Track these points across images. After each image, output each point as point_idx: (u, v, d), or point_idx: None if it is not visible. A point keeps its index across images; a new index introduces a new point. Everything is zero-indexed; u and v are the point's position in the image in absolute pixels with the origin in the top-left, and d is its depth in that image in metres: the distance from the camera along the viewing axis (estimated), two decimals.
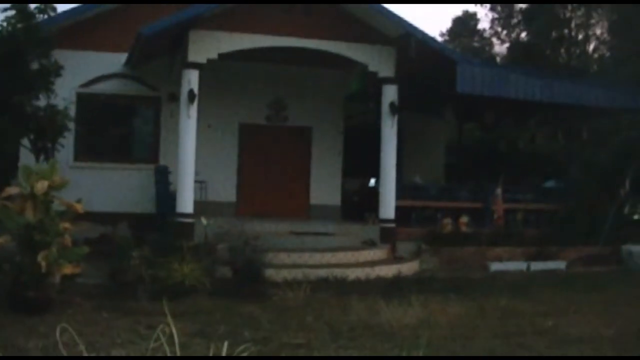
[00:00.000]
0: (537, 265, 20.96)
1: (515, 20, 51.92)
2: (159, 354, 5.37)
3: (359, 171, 26.63)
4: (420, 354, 6.05)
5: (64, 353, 6.21)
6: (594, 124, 30.18)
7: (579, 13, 49.38)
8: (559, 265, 21.39)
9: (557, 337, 11.59)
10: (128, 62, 22.16)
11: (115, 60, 22.39)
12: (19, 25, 18.00)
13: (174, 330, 5.14)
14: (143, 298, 13.28)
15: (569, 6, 48.55)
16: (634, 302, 15.33)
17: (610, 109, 25.49)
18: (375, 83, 21.38)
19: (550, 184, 28.32)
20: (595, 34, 51.13)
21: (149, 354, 5.26)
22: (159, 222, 20.55)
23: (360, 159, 25.08)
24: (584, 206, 23.99)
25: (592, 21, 50.07)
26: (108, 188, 22.04)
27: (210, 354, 5.12)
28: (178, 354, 5.02)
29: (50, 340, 9.90)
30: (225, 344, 5.10)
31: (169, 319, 5.28)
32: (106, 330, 10.94)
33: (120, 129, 23.73)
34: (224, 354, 5.02)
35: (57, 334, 6.10)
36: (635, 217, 27.52)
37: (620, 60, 42.60)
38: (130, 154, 23.53)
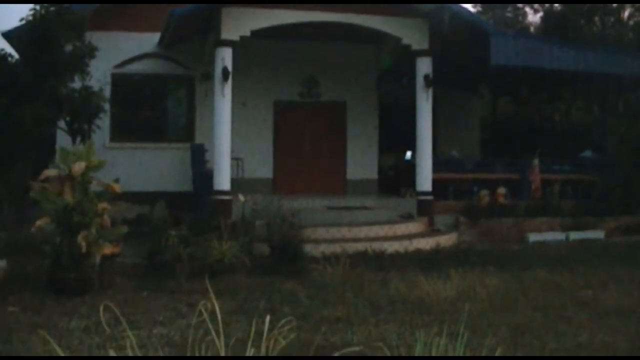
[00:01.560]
0: (575, 235, 20.87)
1: None
2: (201, 331, 5.39)
3: (395, 146, 26.55)
4: (462, 328, 6.01)
5: (108, 331, 6.26)
6: (630, 95, 29.83)
7: None
8: (597, 234, 21.29)
9: (598, 309, 11.49)
10: (161, 42, 22.18)
11: (149, 40, 22.43)
12: (52, 9, 18.02)
13: (216, 307, 5.15)
14: (182, 277, 13.32)
15: None
16: None
17: None
18: (408, 57, 21.25)
19: (587, 154, 28.12)
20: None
21: (191, 331, 5.26)
22: (196, 201, 20.60)
23: (396, 134, 25.01)
24: (620, 177, 23.80)
25: None
26: (144, 168, 22.13)
27: (252, 330, 5.10)
28: (221, 330, 5.03)
29: (92, 320, 9.98)
30: (268, 318, 5.09)
31: (211, 296, 5.29)
32: (147, 309, 11.01)
33: (155, 108, 23.76)
34: (266, 328, 5.02)
35: (101, 312, 6.14)
36: None
37: None
38: (165, 133, 23.56)
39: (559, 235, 20.89)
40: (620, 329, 10.08)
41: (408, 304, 11.48)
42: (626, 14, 50.45)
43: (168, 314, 10.71)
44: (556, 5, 50.45)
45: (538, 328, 10.10)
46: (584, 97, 31.83)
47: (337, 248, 16.68)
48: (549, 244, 19.87)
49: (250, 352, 5.00)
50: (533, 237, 20.52)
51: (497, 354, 5.87)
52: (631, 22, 50.65)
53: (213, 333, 5.06)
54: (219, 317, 5.11)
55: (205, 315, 5.21)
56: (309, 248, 15.99)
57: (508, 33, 25.38)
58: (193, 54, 22.43)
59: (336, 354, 5.36)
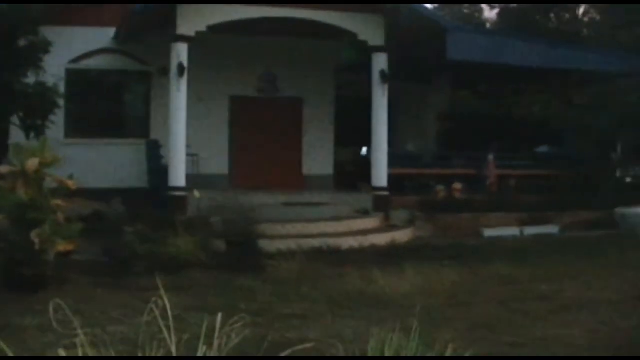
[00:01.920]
0: (530, 230, 21.00)
1: None
2: (154, 328, 5.36)
3: (352, 141, 26.63)
4: (416, 323, 6.03)
5: (59, 330, 6.20)
6: (589, 89, 30.08)
7: None
8: (552, 229, 21.45)
9: (557, 302, 11.56)
10: (117, 37, 22.07)
11: (105, 36, 22.32)
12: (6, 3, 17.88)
13: (167, 304, 5.13)
14: (138, 273, 13.22)
15: None
16: (630, 265, 15.29)
17: (605, 74, 25.47)
18: (366, 53, 21.31)
19: (543, 149, 28.33)
20: None
21: (143, 329, 5.24)
22: (153, 197, 20.50)
23: (353, 128, 25.07)
24: (577, 171, 23.99)
25: None
26: (100, 164, 21.95)
27: (204, 327, 5.09)
28: (171, 327, 5.01)
29: (45, 318, 9.85)
30: (219, 315, 5.08)
31: (162, 293, 5.28)
32: (102, 306, 10.91)
33: (111, 104, 23.65)
34: (217, 325, 5.00)
35: (50, 311, 6.07)
36: (628, 180, 27.61)
37: (613, 25, 42.47)
38: (121, 129, 23.46)
39: (514, 230, 21.00)
40: (577, 322, 10.14)
41: (364, 299, 11.49)
42: (581, 10, 50.86)
43: (123, 311, 10.61)
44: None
45: (495, 322, 10.14)
46: (543, 91, 31.98)
47: (293, 244, 16.62)
48: (504, 239, 19.96)
49: (202, 349, 4.98)
50: (488, 232, 20.64)
51: (450, 349, 5.88)
52: (586, 19, 51.08)
53: (164, 330, 5.04)
54: (170, 314, 5.09)
55: (157, 313, 5.19)
56: (265, 244, 15.93)
57: (465, 28, 25.48)
58: (150, 49, 22.26)
59: (287, 352, 5.35)
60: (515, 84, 30.72)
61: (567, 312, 10.82)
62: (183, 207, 18.38)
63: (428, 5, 48.57)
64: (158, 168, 20.94)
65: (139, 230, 14.78)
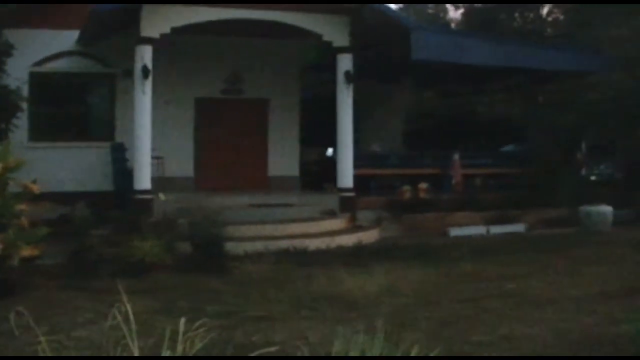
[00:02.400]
0: (496, 229, 21.11)
1: None
2: (119, 332, 5.34)
3: (318, 141, 26.63)
4: (382, 323, 6.04)
5: (23, 337, 6.17)
6: (552, 88, 30.30)
7: None
8: (518, 228, 21.57)
9: (523, 299, 11.64)
10: (81, 39, 21.90)
11: (69, 38, 22.12)
12: None
13: (130, 308, 5.12)
14: (105, 277, 13.15)
15: None
16: (595, 263, 15.45)
17: (568, 72, 25.68)
18: (331, 53, 21.33)
19: (509, 148, 28.49)
20: None
21: (107, 333, 5.22)
22: (118, 200, 20.41)
23: (319, 129, 25.03)
24: (542, 169, 24.14)
25: None
26: (65, 167, 21.80)
27: (168, 331, 5.07)
28: (135, 331, 4.99)
29: (9, 325, 9.80)
30: (183, 320, 5.07)
31: (123, 297, 5.26)
32: (67, 311, 10.86)
33: (75, 107, 23.43)
34: (181, 329, 4.99)
35: (12, 318, 6.04)
36: (593, 178, 27.81)
37: (577, 24, 42.74)
38: (86, 132, 23.29)
39: (480, 229, 21.10)
40: (544, 320, 10.19)
41: (331, 300, 11.48)
42: (545, 10, 51.17)
43: (89, 315, 10.56)
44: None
45: (462, 321, 10.18)
46: (507, 90, 32.16)
47: (260, 246, 16.62)
48: (471, 238, 20.05)
49: (165, 353, 4.96)
50: (455, 232, 20.72)
51: (416, 348, 5.89)
52: (550, 19, 51.39)
53: (127, 334, 5.02)
54: (132, 318, 5.08)
55: (119, 318, 5.17)
56: (231, 246, 15.88)
57: (429, 28, 25.55)
58: (114, 51, 22.10)
59: (254, 354, 5.35)
60: (479, 83, 30.83)
61: (533, 309, 10.87)
62: (149, 209, 18.31)
63: (392, 5, 49.01)
64: (123, 171, 20.84)
65: (105, 234, 14.74)
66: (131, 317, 5.07)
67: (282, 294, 12.02)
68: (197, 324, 5.33)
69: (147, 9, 19.01)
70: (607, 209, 22.14)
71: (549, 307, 10.95)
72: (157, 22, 19.10)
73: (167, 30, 19.19)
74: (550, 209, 22.84)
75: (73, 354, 5.99)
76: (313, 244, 17.52)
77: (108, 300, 11.31)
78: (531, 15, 50.28)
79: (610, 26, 30.66)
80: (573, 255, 16.60)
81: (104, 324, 9.79)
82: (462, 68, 24.05)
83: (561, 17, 49.53)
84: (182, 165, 23.37)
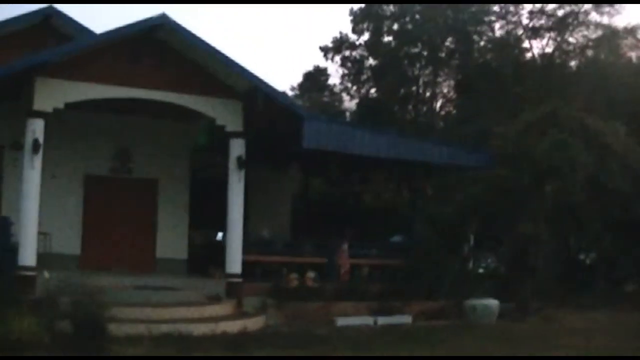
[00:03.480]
0: (383, 320, 21.18)
1: (365, 77, 52.74)
2: None
3: (207, 224, 26.47)
4: None
5: None
6: (437, 180, 30.90)
7: (427, 71, 50.65)
8: (405, 319, 21.68)
9: None
10: None
11: None
12: None
13: None
14: None
15: (417, 64, 49.79)
16: (473, 355, 15.68)
17: (453, 165, 26.28)
18: (222, 136, 21.35)
19: (396, 239, 28.75)
20: (442, 91, 52.51)
21: None
22: (0, 276, 19.89)
23: (208, 211, 24.92)
24: (427, 261, 24.43)
25: (439, 79, 51.41)
26: None
27: None
28: None
29: None
30: None
31: None
32: None
33: None
34: None
35: None
36: (480, 270, 28.27)
37: (463, 119, 43.85)
38: None
39: (367, 319, 21.15)
40: None
41: None
42: (438, 104, 52.43)
43: None
44: (372, 91, 51.95)
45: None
46: (395, 180, 32.64)
47: (142, 329, 16.27)
48: (357, 328, 20.06)
49: None
50: (341, 321, 20.68)
51: None
52: (442, 112, 52.59)
53: None
54: None
55: None
56: (113, 327, 15.55)
57: (321, 117, 25.87)
58: (3, 121, 21.77)
59: None
60: (368, 172, 31.19)
61: None
62: (32, 286, 17.85)
63: (288, 92, 49.47)
64: (7, 246, 20.34)
65: None
66: None
67: None
68: None
69: (41, 82, 18.74)
70: (492, 302, 22.53)
71: None
72: (50, 97, 18.83)
73: (60, 105, 18.94)
74: (434, 301, 23.11)
75: None
76: (198, 329, 17.26)
77: None
78: (424, 108, 51.41)
79: (494, 122, 31.66)
80: (453, 348, 16.93)
81: None
82: (351, 157, 24.34)
83: (453, 111, 50.76)
84: (69, 242, 22.96)
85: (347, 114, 54.75)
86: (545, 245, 25.37)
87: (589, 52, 45.33)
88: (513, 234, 25.90)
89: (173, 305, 18.55)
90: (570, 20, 44.97)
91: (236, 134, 20.93)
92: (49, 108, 18.87)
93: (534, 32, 46.27)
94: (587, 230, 28.17)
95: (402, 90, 50.84)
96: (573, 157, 24.51)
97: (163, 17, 19.51)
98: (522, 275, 24.99)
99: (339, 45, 52.49)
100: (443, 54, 49.24)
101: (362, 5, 50.20)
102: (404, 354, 15.63)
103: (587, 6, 44.10)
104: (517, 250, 25.71)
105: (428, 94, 52.32)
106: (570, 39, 46.18)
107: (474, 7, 46.47)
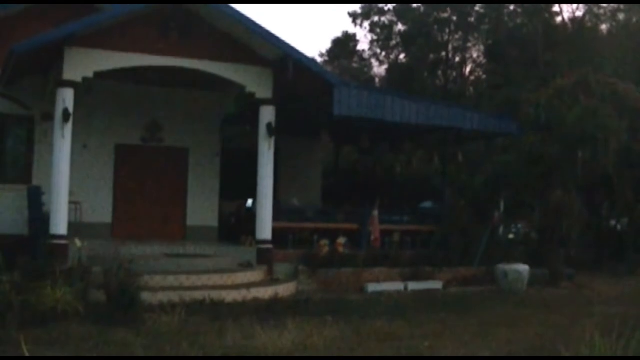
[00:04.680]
0: (414, 286, 21.20)
1: (394, 42, 52.56)
2: None
3: (237, 193, 26.49)
4: None
5: None
6: (469, 147, 30.76)
7: (457, 36, 50.39)
8: (436, 285, 21.71)
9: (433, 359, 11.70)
10: (0, 81, 21.60)
11: None
12: None
13: None
14: (12, 326, 12.84)
15: (447, 29, 49.55)
16: (508, 323, 15.63)
17: (483, 132, 26.10)
18: (252, 105, 21.34)
19: (427, 205, 28.70)
20: (472, 57, 52.23)
21: None
22: (33, 245, 20.01)
23: (239, 180, 25.01)
24: (459, 228, 24.37)
25: (469, 45, 51.13)
26: None
27: None
28: None
29: None
30: None
31: (23, 348, 5.15)
32: None
33: None
34: None
35: None
36: (510, 236, 28.18)
37: (494, 85, 43.62)
38: (2, 174, 22.88)
39: (398, 285, 21.17)
40: None
41: (244, 354, 11.39)
42: (467, 69, 52.09)
43: None
44: (401, 57, 51.72)
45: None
46: (425, 148, 32.56)
47: (174, 296, 16.42)
48: (387, 294, 20.08)
49: None
50: (372, 287, 20.74)
51: None
52: (472, 78, 52.27)
53: None
54: None
55: None
56: (146, 296, 15.66)
57: (352, 84, 25.75)
58: (34, 92, 21.87)
59: None
60: (398, 140, 31.11)
61: None
62: (64, 256, 17.92)
63: (318, 58, 49.34)
64: (39, 215, 20.47)
65: (16, 280, 14.38)
66: None
67: (194, 347, 11.90)
68: None
69: (69, 52, 18.78)
70: (523, 268, 22.42)
71: None
72: (79, 66, 18.86)
73: (90, 74, 18.98)
74: (466, 268, 23.07)
75: None
76: (229, 296, 17.37)
77: (12, 351, 11.08)
78: (454, 74, 51.11)
79: (524, 89, 31.46)
80: (486, 315, 16.86)
81: None
82: (382, 124, 24.24)
83: (483, 76, 50.45)
84: (100, 211, 23.14)
85: (377, 80, 54.62)
86: (576, 213, 25.21)
87: (620, 16, 44.92)
88: (544, 201, 25.79)
89: (205, 273, 18.61)
90: None
91: (266, 102, 20.88)
92: (78, 78, 18.90)
93: None
94: (618, 198, 27.97)
95: (432, 56, 50.65)
96: (604, 124, 24.33)
97: None
98: (554, 243, 24.91)
99: (368, 11, 52.31)
100: (473, 19, 48.92)
101: None
102: (437, 321, 15.60)
103: None
104: (548, 217, 25.58)
105: (457, 59, 52.09)
106: (601, 3, 45.74)
107: None
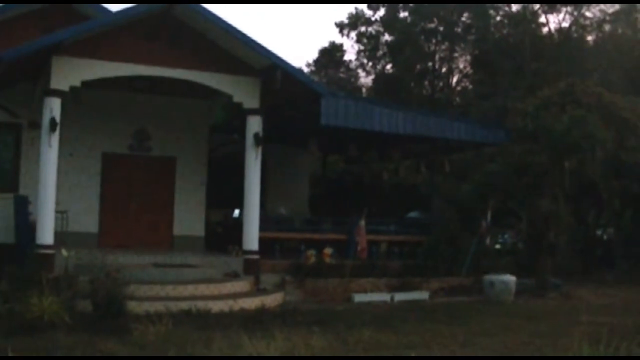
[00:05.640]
0: (400, 296, 21.20)
1: (380, 52, 52.69)
2: None
3: (224, 202, 26.50)
4: None
5: None
6: (456, 156, 30.83)
7: (443, 47, 50.56)
8: (422, 295, 21.69)
9: None
10: None
11: None
12: None
13: None
14: None
15: (433, 39, 49.71)
16: (494, 333, 15.65)
17: (470, 142, 26.17)
18: (240, 114, 21.35)
19: (413, 214, 28.72)
20: (459, 67, 52.41)
21: None
22: (19, 254, 19.94)
23: (225, 190, 24.97)
24: (446, 238, 24.40)
25: (455, 55, 51.29)
26: None
27: None
28: None
29: None
30: None
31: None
32: None
33: None
34: None
35: None
36: (497, 246, 28.24)
37: (481, 95, 43.76)
38: None
39: (384, 296, 21.18)
40: None
41: None
42: (454, 79, 52.27)
43: None
44: (388, 67, 51.84)
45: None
46: (413, 157, 32.64)
47: (161, 306, 16.40)
48: (374, 305, 20.10)
49: None
50: (359, 298, 20.74)
51: None
52: (459, 88, 52.44)
53: None
54: None
55: None
56: (132, 306, 15.66)
57: (339, 94, 25.75)
58: (21, 101, 21.85)
59: None
60: (385, 149, 31.15)
61: None
62: (50, 265, 17.91)
63: (304, 68, 49.37)
64: (26, 224, 20.44)
65: (2, 289, 14.37)
66: None
67: (180, 357, 11.85)
68: None
69: (57, 61, 18.77)
70: (510, 278, 22.42)
71: None
72: (67, 75, 18.86)
73: (77, 83, 18.98)
74: (453, 277, 23.11)
75: None
76: (216, 306, 17.36)
77: None
78: (440, 84, 51.28)
79: (511, 99, 31.60)
80: (473, 325, 16.85)
81: None
82: (369, 134, 24.30)
83: (469, 86, 50.65)
84: (87, 220, 23.06)
85: (363, 90, 54.72)
86: (564, 222, 25.28)
87: (606, 27, 45.15)
88: (532, 210, 25.85)
89: (191, 283, 18.60)
90: None
91: (253, 111, 20.89)
92: (65, 87, 18.89)
93: (551, 7, 46.06)
94: (606, 207, 28.07)
95: (418, 66, 50.78)
96: (591, 133, 24.43)
97: None
98: (541, 252, 24.95)
99: (355, 21, 52.47)
100: (459, 29, 49.09)
101: None
102: (424, 331, 15.61)
103: None
104: (535, 226, 25.64)
105: (444, 69, 52.24)
106: (587, 14, 45.99)
107: None
